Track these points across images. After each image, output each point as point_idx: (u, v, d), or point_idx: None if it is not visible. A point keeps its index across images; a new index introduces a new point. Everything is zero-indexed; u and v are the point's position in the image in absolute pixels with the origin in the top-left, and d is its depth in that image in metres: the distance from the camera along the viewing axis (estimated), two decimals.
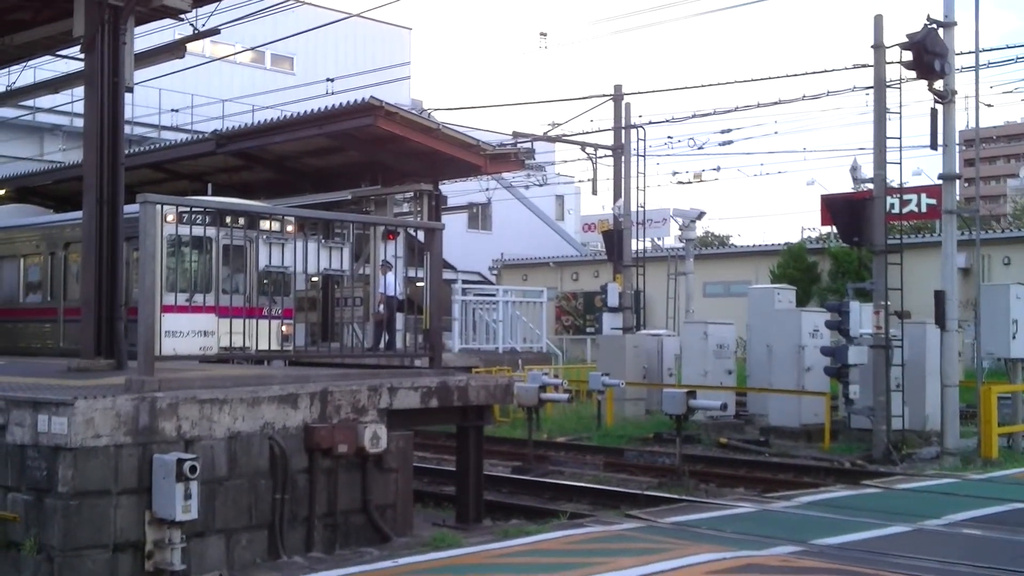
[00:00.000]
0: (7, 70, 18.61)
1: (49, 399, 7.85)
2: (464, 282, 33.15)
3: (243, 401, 8.70)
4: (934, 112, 16.07)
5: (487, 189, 38.21)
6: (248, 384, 9.18)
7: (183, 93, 35.86)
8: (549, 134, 36.15)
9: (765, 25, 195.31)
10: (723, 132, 36.20)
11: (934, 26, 15.92)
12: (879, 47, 16.81)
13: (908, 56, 16.04)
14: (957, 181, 16.92)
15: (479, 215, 46.29)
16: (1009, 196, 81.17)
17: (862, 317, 16.96)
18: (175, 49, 15.44)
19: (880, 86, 16.79)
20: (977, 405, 15.94)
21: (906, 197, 29.59)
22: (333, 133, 22.23)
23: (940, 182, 17.31)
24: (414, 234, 20.89)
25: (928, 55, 15.73)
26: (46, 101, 28.87)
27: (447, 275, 24.26)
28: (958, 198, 17.68)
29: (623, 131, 30.56)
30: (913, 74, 16.34)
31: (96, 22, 11.65)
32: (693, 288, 32.28)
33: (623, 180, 29.52)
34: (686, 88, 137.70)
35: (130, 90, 11.99)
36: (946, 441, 15.87)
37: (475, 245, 44.94)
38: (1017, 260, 33.66)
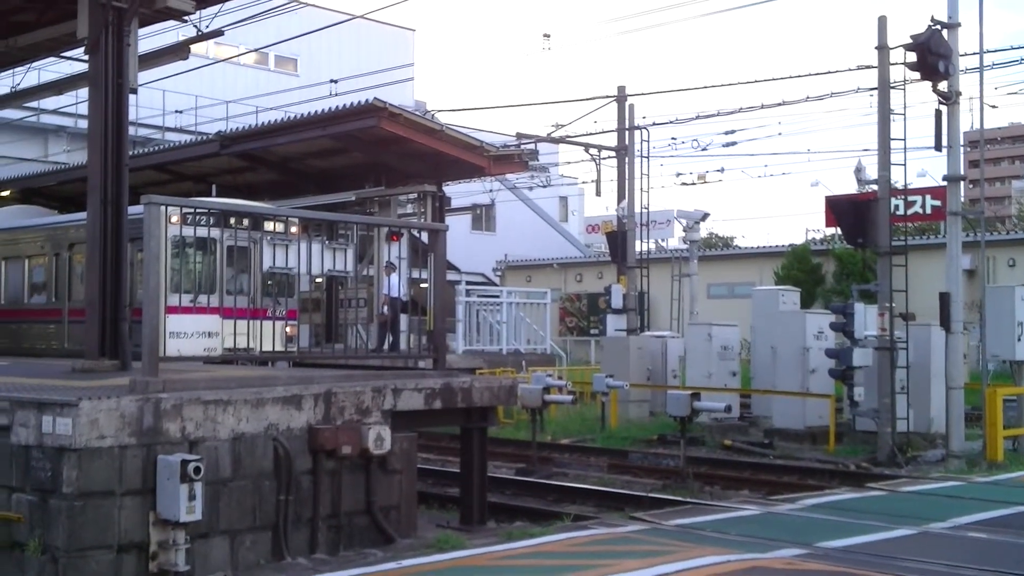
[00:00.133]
0: (11, 72, 18.61)
1: (53, 400, 7.84)
2: (468, 283, 33.06)
3: (247, 402, 8.69)
4: (938, 113, 16.08)
5: (491, 190, 38.25)
6: (252, 385, 9.16)
7: (187, 95, 35.91)
8: (553, 135, 36.16)
9: (769, 26, 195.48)
10: (727, 133, 36.31)
11: (938, 27, 15.91)
12: (883, 48, 16.79)
13: (912, 57, 16.04)
14: (962, 182, 16.92)
15: (483, 216, 46.32)
16: (1014, 197, 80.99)
17: (867, 319, 16.93)
18: (179, 51, 15.47)
19: (884, 87, 16.77)
20: (982, 407, 15.92)
21: (910, 198, 29.65)
22: (337, 134, 22.23)
23: (944, 183, 17.31)
24: (418, 235, 20.94)
25: (932, 56, 15.72)
26: (50, 102, 28.82)
27: (451, 276, 24.20)
28: (963, 199, 17.69)
29: (627, 132, 30.55)
30: (917, 75, 16.33)
31: (100, 24, 11.65)
32: (697, 290, 32.20)
33: (627, 181, 29.45)
34: (690, 89, 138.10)
35: (134, 91, 11.98)
36: (951, 444, 15.85)
37: (479, 246, 44.95)
38: (1022, 262, 33.63)
